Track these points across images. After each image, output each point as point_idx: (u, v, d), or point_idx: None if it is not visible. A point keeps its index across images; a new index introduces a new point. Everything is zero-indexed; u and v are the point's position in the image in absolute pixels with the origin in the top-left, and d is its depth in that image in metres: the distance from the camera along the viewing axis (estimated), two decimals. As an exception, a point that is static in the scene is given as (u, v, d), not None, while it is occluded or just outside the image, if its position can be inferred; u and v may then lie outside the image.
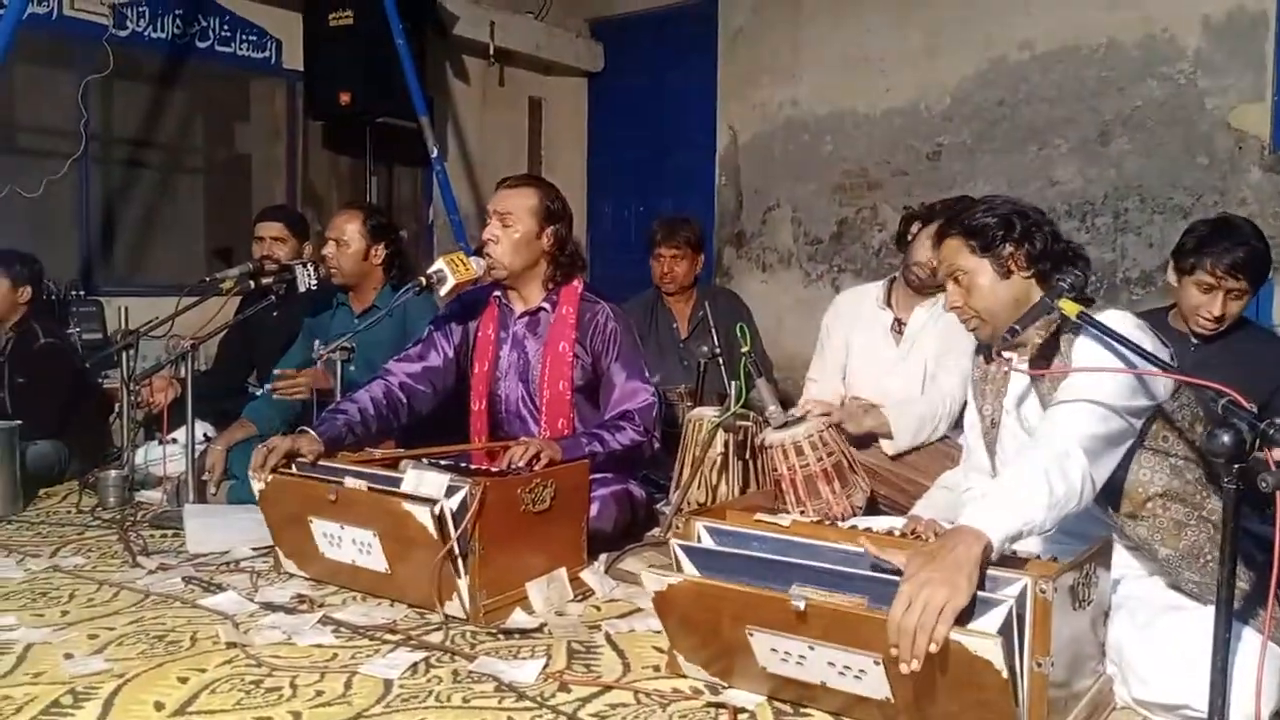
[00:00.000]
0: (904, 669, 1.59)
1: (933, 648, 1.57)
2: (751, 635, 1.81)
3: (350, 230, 3.51)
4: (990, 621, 1.63)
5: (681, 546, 1.99)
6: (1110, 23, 5.25)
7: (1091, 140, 5.31)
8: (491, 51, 6.60)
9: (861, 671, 1.72)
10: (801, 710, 1.86)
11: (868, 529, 2.08)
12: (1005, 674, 1.57)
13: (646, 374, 2.95)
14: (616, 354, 2.91)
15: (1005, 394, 2.18)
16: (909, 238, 3.22)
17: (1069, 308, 1.94)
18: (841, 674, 1.75)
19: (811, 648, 1.75)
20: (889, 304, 3.26)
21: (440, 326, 3.06)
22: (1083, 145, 5.33)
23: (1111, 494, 1.98)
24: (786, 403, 3.00)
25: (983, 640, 1.57)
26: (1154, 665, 1.78)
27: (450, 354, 3.02)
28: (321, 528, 2.53)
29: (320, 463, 2.63)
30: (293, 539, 2.65)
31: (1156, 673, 1.77)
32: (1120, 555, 2.01)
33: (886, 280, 3.33)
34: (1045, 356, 2.05)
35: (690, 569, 1.96)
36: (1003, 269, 2.08)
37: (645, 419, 2.88)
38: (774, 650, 1.80)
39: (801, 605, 1.70)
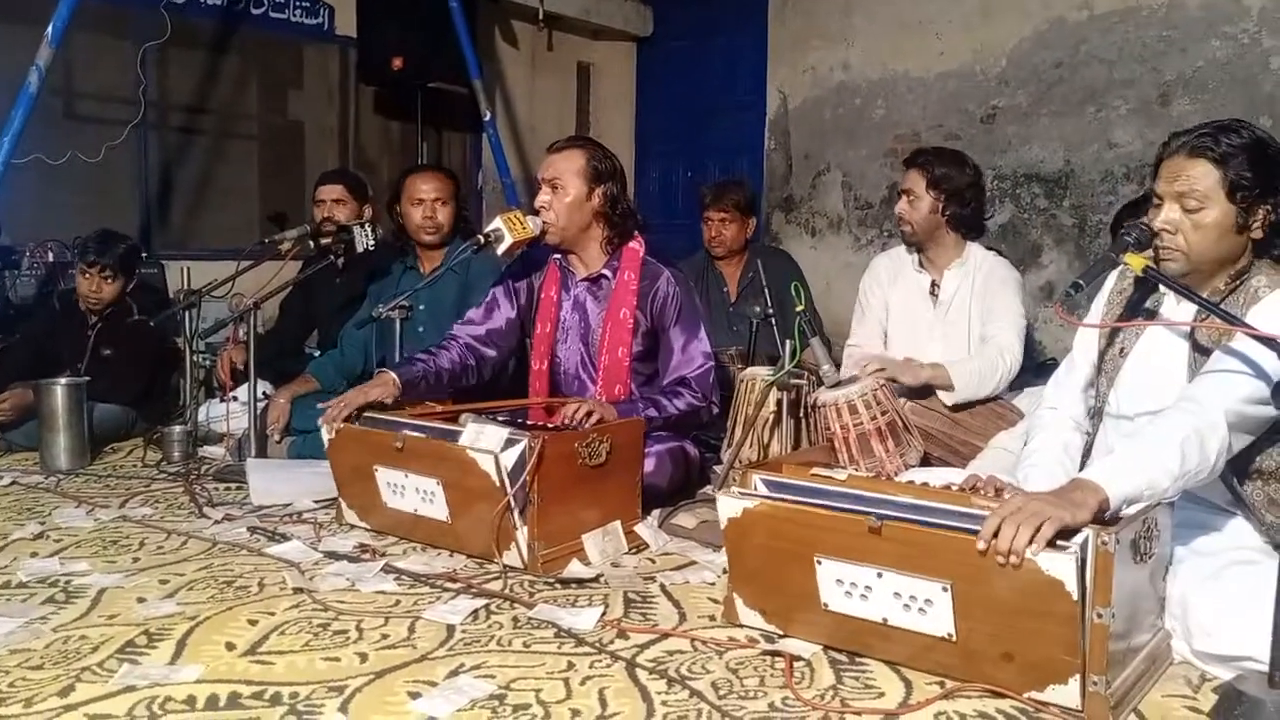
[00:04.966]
0: (1000, 561, 1.62)
1: (1032, 549, 1.59)
2: (820, 564, 1.84)
3: (446, 189, 3.56)
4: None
5: (762, 479, 2.03)
6: (1173, -19, 5.12)
7: (1151, 102, 5.19)
8: (541, 16, 6.58)
9: (928, 602, 1.74)
10: (858, 659, 1.88)
11: (925, 483, 2.08)
12: (1076, 596, 1.58)
13: (706, 340, 2.96)
14: (676, 318, 2.92)
15: (1144, 328, 2.09)
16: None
17: (1135, 262, 1.92)
18: (906, 606, 1.77)
19: (880, 575, 1.78)
20: (922, 267, 3.26)
21: (503, 288, 3.08)
22: (1143, 107, 5.22)
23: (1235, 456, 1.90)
24: (838, 363, 3.00)
25: (1057, 558, 1.59)
26: (1219, 616, 1.77)
27: (514, 315, 3.06)
28: (386, 476, 2.59)
29: (378, 415, 2.69)
30: (357, 489, 2.71)
31: (1220, 624, 1.76)
32: (1187, 511, 1.99)
33: None
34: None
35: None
36: (1242, 225, 1.92)
37: (703, 385, 2.90)
38: (839, 582, 1.84)
39: (877, 521, 1.74)
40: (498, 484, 2.32)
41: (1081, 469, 2.14)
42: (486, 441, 2.39)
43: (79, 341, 3.83)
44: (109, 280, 3.81)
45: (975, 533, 1.67)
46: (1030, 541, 1.60)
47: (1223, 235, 1.94)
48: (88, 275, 3.79)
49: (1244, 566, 1.83)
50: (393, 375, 2.78)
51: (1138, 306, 2.13)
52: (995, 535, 1.63)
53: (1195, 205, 1.94)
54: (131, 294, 3.91)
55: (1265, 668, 1.63)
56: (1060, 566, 1.59)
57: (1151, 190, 2.05)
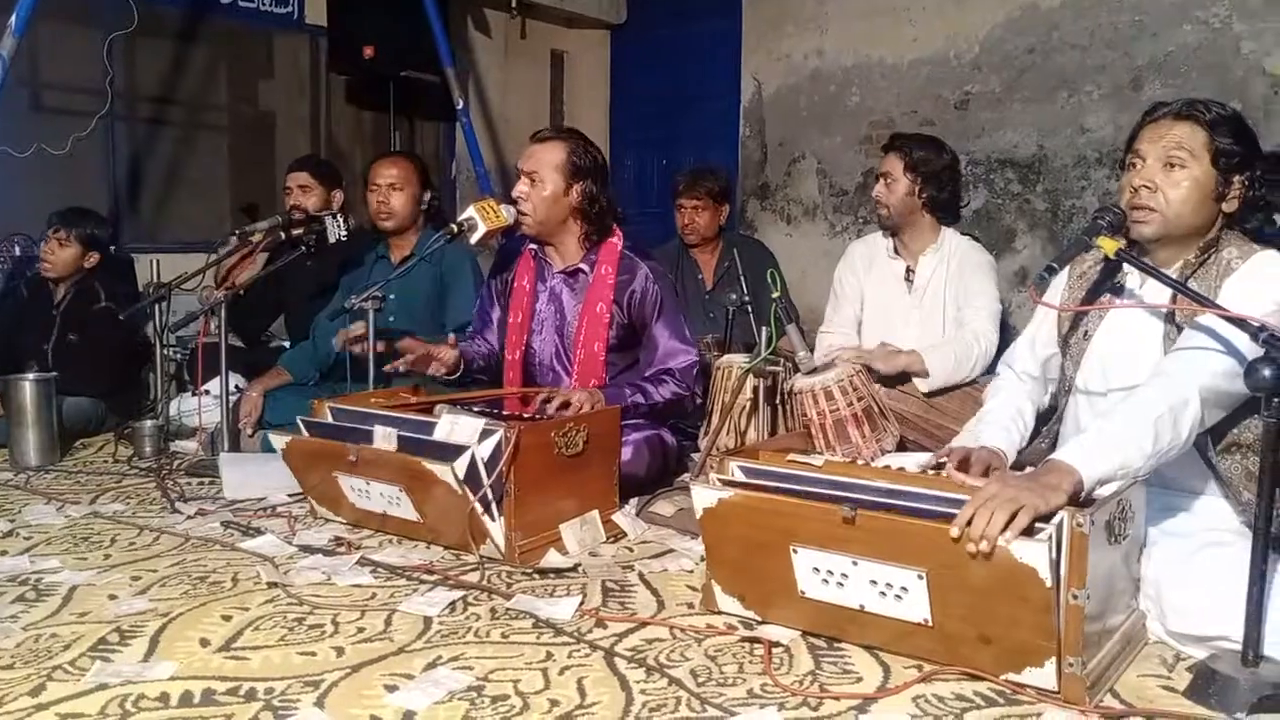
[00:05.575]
0: (971, 549, 1.61)
1: (1006, 537, 1.59)
2: (795, 553, 1.83)
3: (403, 175, 3.53)
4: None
5: (739, 466, 2.03)
6: (1144, -34, 5.14)
7: (1124, 87, 5.21)
8: (513, 4, 6.54)
9: (903, 589, 1.74)
10: (836, 644, 1.88)
11: (901, 467, 2.09)
12: (1050, 584, 1.58)
13: (688, 334, 2.96)
14: (657, 314, 2.92)
15: (1109, 310, 2.11)
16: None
17: (1107, 245, 1.93)
18: (882, 594, 1.77)
19: (855, 563, 1.77)
20: (896, 253, 3.27)
21: (488, 290, 3.15)
22: (1115, 92, 5.24)
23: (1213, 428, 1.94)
24: (814, 349, 3.01)
25: (1029, 546, 1.59)
26: (1192, 597, 1.78)
27: (501, 315, 3.11)
28: (348, 482, 2.57)
29: (352, 408, 2.67)
30: (322, 492, 2.69)
31: (1194, 604, 1.78)
32: (1160, 495, 2.01)
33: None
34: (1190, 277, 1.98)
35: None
36: (1219, 192, 1.97)
37: (686, 376, 2.91)
38: (816, 570, 1.83)
39: (851, 512, 1.74)
40: (460, 492, 2.30)
41: (1055, 446, 2.15)
42: (460, 435, 2.37)
43: (45, 324, 3.80)
44: (63, 243, 3.79)
45: (951, 518, 1.67)
46: (1004, 528, 1.60)
47: (1202, 199, 1.97)
48: (47, 240, 3.81)
49: (1217, 548, 1.84)
50: (455, 353, 2.88)
51: (1100, 288, 2.15)
52: (969, 523, 1.63)
53: (1180, 161, 1.96)
54: (100, 280, 3.86)
55: (1239, 647, 1.64)
56: (1032, 554, 1.58)
57: (1128, 152, 2.06)
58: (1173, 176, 1.97)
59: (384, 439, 2.49)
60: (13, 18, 3.89)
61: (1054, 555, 1.59)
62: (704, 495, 1.94)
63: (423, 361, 2.85)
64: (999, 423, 2.22)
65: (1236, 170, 1.96)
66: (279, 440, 2.66)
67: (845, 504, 1.77)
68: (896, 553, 1.73)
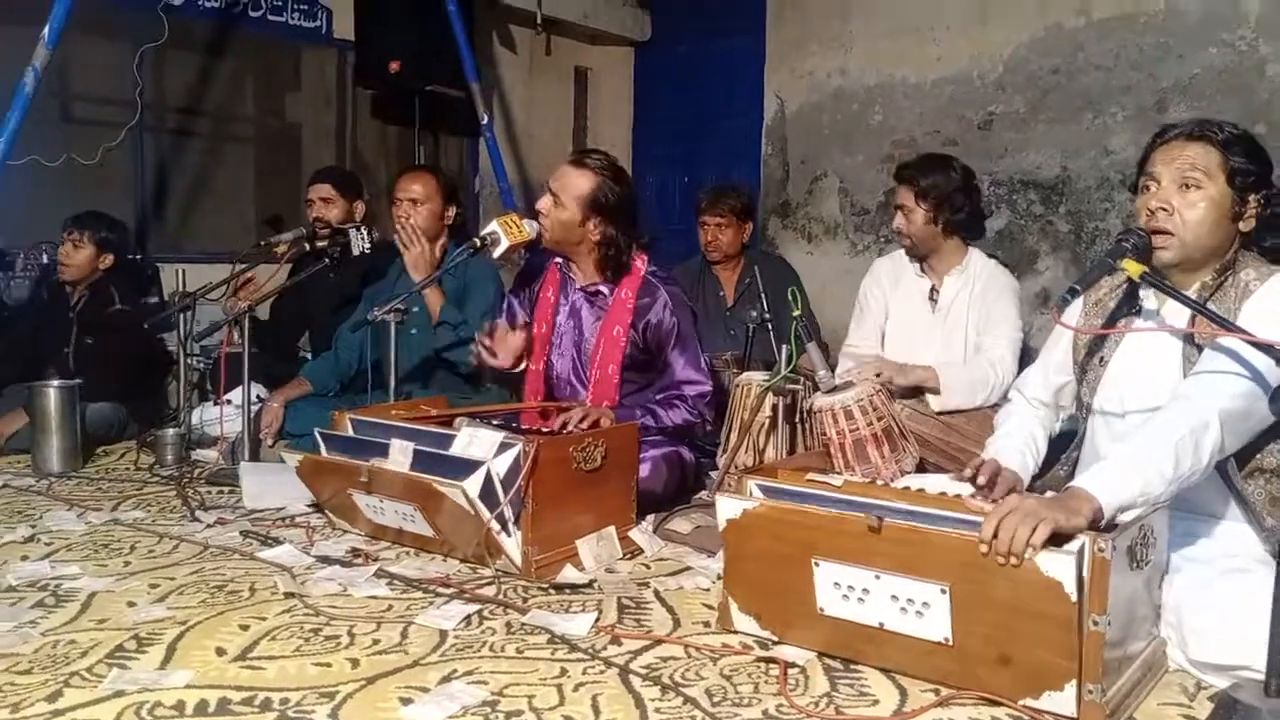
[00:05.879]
0: (1000, 561, 1.61)
1: (1029, 553, 1.58)
2: (817, 566, 1.83)
3: (425, 191, 3.54)
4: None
5: (757, 484, 2.03)
6: (1170, -12, 5.12)
7: (1149, 109, 5.18)
8: (539, 20, 6.57)
9: (925, 605, 1.73)
10: (853, 666, 1.87)
11: (920, 489, 2.08)
12: (1075, 597, 1.57)
13: (703, 364, 2.97)
14: (673, 343, 2.93)
15: (1122, 335, 2.10)
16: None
17: (1132, 268, 1.92)
18: (903, 610, 1.76)
19: (877, 577, 1.77)
20: (923, 271, 3.27)
21: (516, 299, 3.14)
22: (1139, 114, 5.21)
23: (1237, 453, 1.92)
24: (834, 369, 2.99)
25: (1056, 559, 1.58)
26: (1213, 626, 1.76)
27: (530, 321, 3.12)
28: (363, 500, 2.58)
29: (372, 420, 2.68)
30: (337, 507, 2.71)
31: (1215, 633, 1.76)
32: (1181, 521, 1.99)
33: None
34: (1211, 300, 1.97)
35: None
36: (1236, 212, 1.96)
37: (698, 404, 2.92)
38: (836, 585, 1.83)
39: (877, 520, 1.74)
40: (473, 513, 2.30)
41: (1075, 473, 2.14)
42: (477, 449, 2.37)
43: (63, 327, 3.85)
44: (78, 245, 3.86)
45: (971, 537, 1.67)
46: (1027, 542, 1.59)
47: (1219, 219, 1.96)
48: (63, 243, 3.88)
49: (1239, 575, 1.82)
50: (522, 335, 2.92)
51: (1119, 312, 2.14)
52: (994, 536, 1.63)
53: (1195, 181, 1.95)
54: (115, 283, 3.91)
55: (1261, 676, 1.62)
56: (1059, 567, 1.58)
57: (1141, 174, 2.05)
58: (1189, 197, 1.96)
59: (400, 452, 2.50)
60: (45, 29, 3.95)
61: (1080, 569, 1.58)
62: (728, 506, 1.94)
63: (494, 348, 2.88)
64: (1014, 447, 2.20)
65: (1252, 189, 1.96)
66: (292, 457, 2.67)
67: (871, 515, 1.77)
68: (920, 566, 1.72)
